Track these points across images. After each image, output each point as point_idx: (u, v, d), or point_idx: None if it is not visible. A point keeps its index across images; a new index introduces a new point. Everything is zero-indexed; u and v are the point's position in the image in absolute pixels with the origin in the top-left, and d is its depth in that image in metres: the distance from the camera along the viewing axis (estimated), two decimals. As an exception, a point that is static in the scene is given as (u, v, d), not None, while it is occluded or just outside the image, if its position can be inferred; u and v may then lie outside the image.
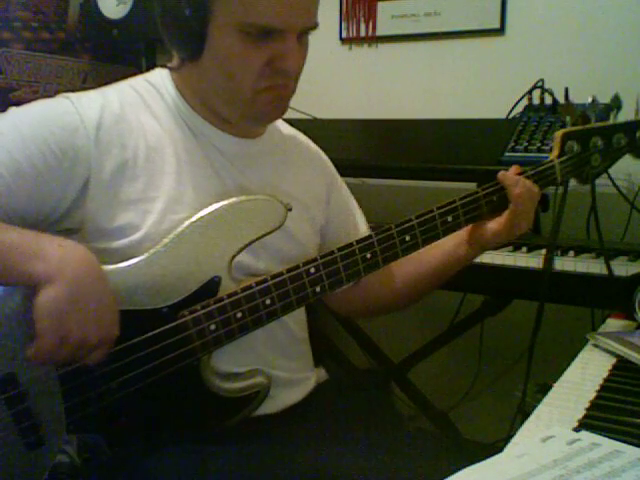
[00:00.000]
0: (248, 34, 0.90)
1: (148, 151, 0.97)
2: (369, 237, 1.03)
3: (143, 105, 1.00)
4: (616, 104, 1.17)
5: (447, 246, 1.13)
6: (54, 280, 0.82)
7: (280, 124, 1.16)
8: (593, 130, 1.14)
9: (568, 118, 1.15)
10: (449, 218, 1.06)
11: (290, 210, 0.99)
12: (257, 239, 0.98)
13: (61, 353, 0.83)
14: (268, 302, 0.96)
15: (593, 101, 1.15)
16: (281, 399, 1.06)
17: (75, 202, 0.93)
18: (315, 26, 0.96)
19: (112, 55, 2.30)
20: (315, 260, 0.99)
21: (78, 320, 0.82)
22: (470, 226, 1.11)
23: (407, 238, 1.04)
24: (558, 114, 1.69)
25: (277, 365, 1.06)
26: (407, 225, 1.04)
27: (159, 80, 1.04)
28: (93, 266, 0.86)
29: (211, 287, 0.95)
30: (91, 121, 0.94)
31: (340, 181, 1.24)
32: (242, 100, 0.96)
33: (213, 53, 0.94)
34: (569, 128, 1.13)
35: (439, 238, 1.06)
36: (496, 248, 1.19)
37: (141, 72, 1.06)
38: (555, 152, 1.12)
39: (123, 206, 0.94)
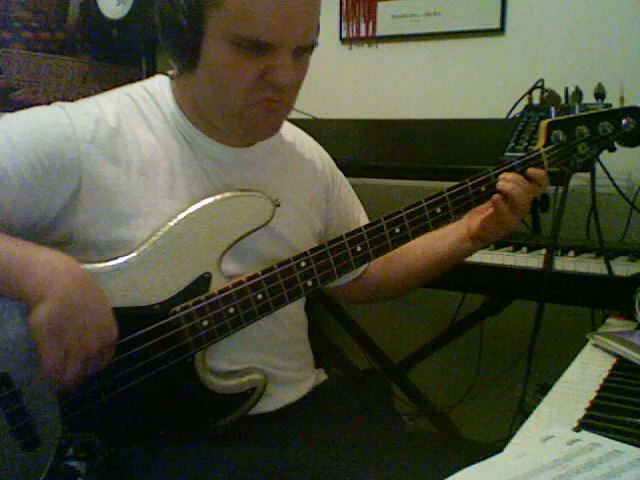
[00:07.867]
0: (241, 47, 0.89)
1: (142, 165, 0.96)
2: (358, 230, 1.03)
3: (140, 116, 1.00)
4: (600, 91, 1.16)
5: (451, 240, 1.14)
6: (45, 297, 0.82)
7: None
8: (578, 119, 1.14)
9: (553, 108, 1.15)
10: (438, 209, 1.06)
11: (278, 206, 1.00)
12: (246, 235, 0.98)
13: (70, 368, 0.83)
14: (260, 297, 0.96)
15: (576, 91, 1.15)
16: (279, 397, 1.06)
17: (62, 213, 0.93)
18: (312, 45, 0.95)
19: (112, 55, 2.30)
20: (305, 254, 0.99)
21: (76, 331, 0.83)
22: (468, 221, 1.12)
23: (397, 230, 1.04)
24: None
25: (275, 364, 1.06)
26: (396, 217, 1.04)
27: (158, 89, 1.03)
28: (81, 274, 0.86)
29: (202, 283, 0.95)
30: (84, 134, 0.93)
31: (341, 181, 1.24)
32: (233, 112, 0.95)
33: (206, 64, 0.93)
34: (554, 117, 1.14)
35: (429, 229, 1.07)
36: (498, 245, 1.18)
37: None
38: (541, 141, 1.13)
39: (116, 220, 0.94)
